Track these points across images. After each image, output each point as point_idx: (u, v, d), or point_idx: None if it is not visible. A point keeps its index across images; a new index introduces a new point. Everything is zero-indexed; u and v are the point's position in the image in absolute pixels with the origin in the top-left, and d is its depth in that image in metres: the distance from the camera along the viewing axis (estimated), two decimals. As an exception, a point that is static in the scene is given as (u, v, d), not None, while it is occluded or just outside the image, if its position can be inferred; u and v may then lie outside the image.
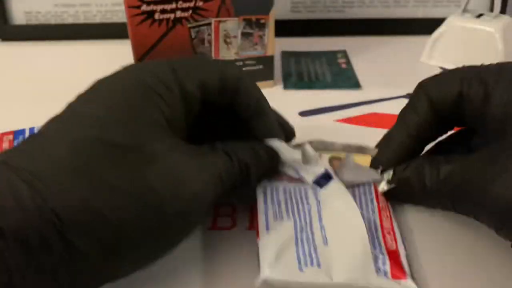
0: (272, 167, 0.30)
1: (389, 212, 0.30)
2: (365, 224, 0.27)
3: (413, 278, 0.26)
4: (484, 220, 0.26)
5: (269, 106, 0.30)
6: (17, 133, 0.40)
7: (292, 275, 0.25)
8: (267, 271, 0.25)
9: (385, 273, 0.25)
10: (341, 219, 0.27)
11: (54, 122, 0.26)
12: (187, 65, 0.27)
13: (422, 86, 0.31)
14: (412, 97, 0.31)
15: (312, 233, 0.27)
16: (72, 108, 0.27)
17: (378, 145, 0.32)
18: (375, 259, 0.26)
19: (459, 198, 0.27)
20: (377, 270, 0.25)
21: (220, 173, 0.25)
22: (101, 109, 0.25)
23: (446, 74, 0.31)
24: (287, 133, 0.32)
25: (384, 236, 0.27)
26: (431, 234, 0.30)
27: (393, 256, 0.26)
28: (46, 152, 0.22)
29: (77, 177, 0.21)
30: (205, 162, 0.25)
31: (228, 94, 0.28)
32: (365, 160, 0.32)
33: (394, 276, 0.25)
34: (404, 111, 0.32)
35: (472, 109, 0.29)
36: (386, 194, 0.30)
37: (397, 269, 0.26)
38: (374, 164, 0.31)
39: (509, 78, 0.28)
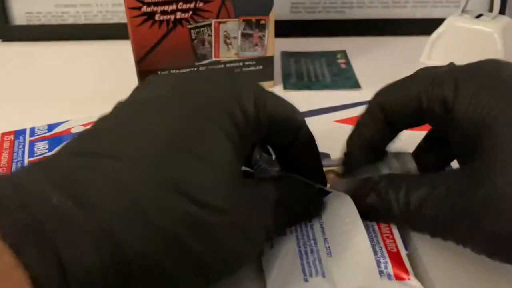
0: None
1: None
2: (366, 232, 0.27)
3: (416, 277, 0.26)
4: (472, 248, 0.24)
5: (319, 156, 0.30)
6: (18, 133, 0.40)
7: (297, 285, 0.25)
8: (271, 284, 0.25)
9: (389, 276, 0.25)
10: (344, 229, 0.27)
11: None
12: (269, 96, 0.26)
13: (378, 98, 0.30)
14: (368, 108, 0.30)
15: (316, 245, 0.27)
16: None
17: (342, 163, 0.31)
18: (378, 264, 0.26)
19: (436, 229, 0.25)
20: (380, 273, 0.25)
21: (271, 226, 0.25)
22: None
23: (401, 86, 0.29)
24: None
25: (384, 240, 0.28)
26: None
27: (395, 258, 0.26)
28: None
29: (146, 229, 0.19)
30: (263, 214, 0.24)
31: (289, 137, 0.27)
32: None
33: (398, 278, 0.25)
34: (358, 124, 0.30)
35: (436, 122, 0.28)
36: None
37: (400, 270, 0.26)
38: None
39: (471, 80, 0.26)
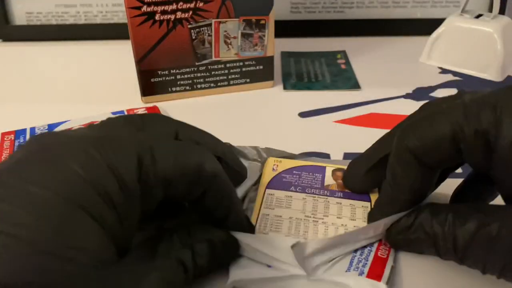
0: (228, 258, 0.26)
1: None
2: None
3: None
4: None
5: (238, 201, 0.27)
6: (18, 132, 0.41)
7: (260, 273, 0.26)
8: (234, 274, 0.26)
9: (361, 272, 0.26)
10: None
11: None
12: (159, 153, 0.22)
13: (404, 142, 0.25)
14: (396, 155, 0.26)
15: None
16: None
17: (371, 213, 0.29)
18: (358, 262, 0.26)
19: (486, 269, 0.23)
20: (355, 268, 0.26)
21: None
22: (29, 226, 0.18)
23: (429, 124, 0.24)
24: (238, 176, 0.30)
25: (379, 245, 0.28)
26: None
27: (379, 262, 0.26)
28: None
29: None
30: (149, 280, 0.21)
31: (197, 193, 0.24)
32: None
33: (370, 276, 0.25)
34: (392, 169, 0.26)
35: (477, 161, 0.24)
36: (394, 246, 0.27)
37: (376, 272, 0.26)
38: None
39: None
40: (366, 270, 0.26)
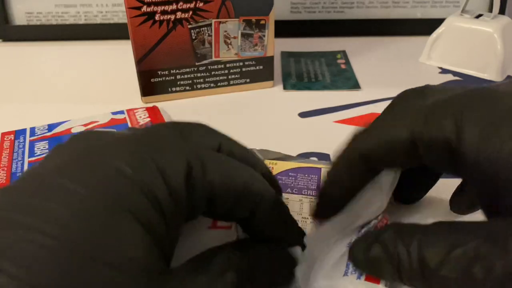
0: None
1: (387, 220, 0.30)
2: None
3: None
4: None
5: (293, 227, 0.26)
6: (18, 132, 0.41)
7: None
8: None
9: (360, 275, 0.25)
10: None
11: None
12: (210, 163, 0.21)
13: (356, 145, 0.25)
14: (342, 158, 0.25)
15: None
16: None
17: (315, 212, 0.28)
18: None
19: None
20: (352, 271, 0.25)
21: None
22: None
23: (385, 129, 0.24)
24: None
25: None
26: None
27: None
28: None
29: None
30: None
31: (243, 213, 0.22)
32: None
33: (369, 279, 0.25)
34: (330, 179, 0.26)
35: (440, 167, 0.23)
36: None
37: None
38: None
39: (474, 111, 0.21)
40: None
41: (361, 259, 0.23)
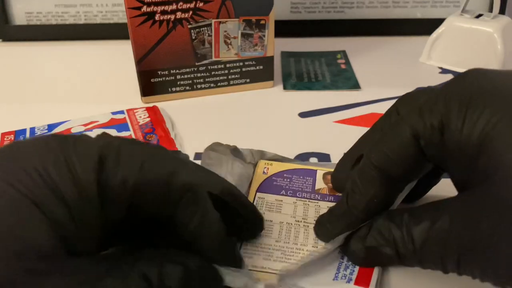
0: None
1: None
2: None
3: None
4: (492, 280, 0.21)
5: (219, 226, 0.24)
6: (18, 133, 0.41)
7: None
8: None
9: (349, 280, 0.25)
10: None
11: None
12: (126, 156, 0.21)
13: (370, 157, 0.25)
14: (361, 169, 0.26)
15: None
16: None
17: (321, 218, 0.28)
18: (345, 268, 0.26)
19: (447, 266, 0.23)
20: (343, 276, 0.26)
21: None
22: None
23: (389, 135, 0.25)
24: (253, 227, 0.27)
25: None
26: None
27: (366, 269, 0.26)
28: None
29: None
30: None
31: (169, 208, 0.22)
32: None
33: (358, 283, 0.25)
34: (353, 184, 0.26)
35: (436, 155, 0.24)
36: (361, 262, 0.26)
37: (364, 279, 0.25)
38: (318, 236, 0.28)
39: (459, 96, 0.23)
40: (353, 277, 0.26)
41: (360, 249, 0.25)
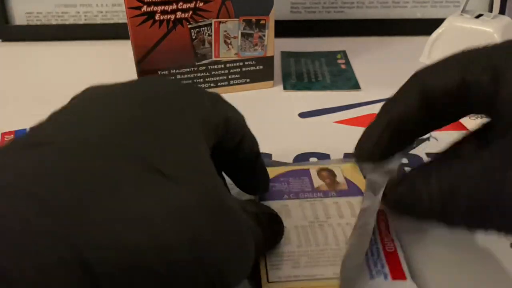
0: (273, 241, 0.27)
1: (384, 214, 0.30)
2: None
3: (413, 278, 0.26)
4: None
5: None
6: (18, 133, 0.41)
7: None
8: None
9: (385, 276, 0.25)
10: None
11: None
12: (217, 99, 0.25)
13: (417, 75, 0.27)
14: (403, 86, 0.27)
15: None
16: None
17: (358, 142, 0.29)
18: (374, 264, 0.26)
19: (473, 217, 0.22)
20: (377, 272, 0.25)
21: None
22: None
23: (445, 60, 0.26)
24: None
25: (382, 239, 0.28)
26: (428, 234, 0.30)
27: (392, 258, 0.26)
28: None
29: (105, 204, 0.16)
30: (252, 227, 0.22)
31: (236, 139, 0.26)
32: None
33: (395, 277, 0.25)
34: (389, 101, 0.28)
35: (479, 101, 0.24)
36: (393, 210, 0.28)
37: (397, 270, 0.26)
38: (356, 160, 0.29)
39: None
40: (387, 271, 0.26)
41: (401, 201, 0.25)
